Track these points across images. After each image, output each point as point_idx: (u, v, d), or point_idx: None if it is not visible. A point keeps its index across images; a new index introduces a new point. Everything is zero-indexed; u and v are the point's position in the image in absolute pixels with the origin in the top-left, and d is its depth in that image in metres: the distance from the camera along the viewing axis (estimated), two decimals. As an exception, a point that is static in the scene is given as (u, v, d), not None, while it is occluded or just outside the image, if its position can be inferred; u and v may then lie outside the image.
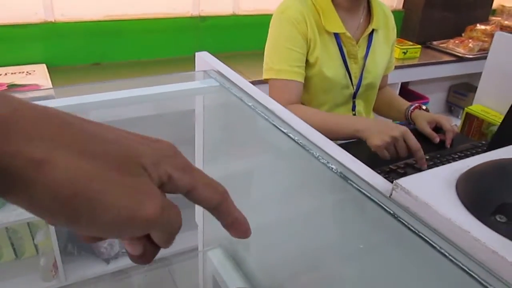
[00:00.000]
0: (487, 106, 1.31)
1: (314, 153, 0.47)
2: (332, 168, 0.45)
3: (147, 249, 0.29)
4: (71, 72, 1.84)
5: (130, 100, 0.80)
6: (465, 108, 1.31)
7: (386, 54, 1.28)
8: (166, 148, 0.28)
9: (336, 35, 1.16)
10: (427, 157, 1.03)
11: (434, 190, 0.39)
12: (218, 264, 0.72)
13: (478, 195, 0.38)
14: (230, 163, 0.72)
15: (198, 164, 0.78)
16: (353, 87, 1.21)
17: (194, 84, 0.69)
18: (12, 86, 1.61)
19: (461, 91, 2.78)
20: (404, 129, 0.97)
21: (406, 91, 2.46)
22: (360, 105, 1.27)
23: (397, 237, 0.39)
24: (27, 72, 1.75)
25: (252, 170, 0.65)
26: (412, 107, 1.23)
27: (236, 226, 0.31)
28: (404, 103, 1.28)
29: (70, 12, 1.84)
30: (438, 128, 1.14)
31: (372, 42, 1.21)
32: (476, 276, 0.32)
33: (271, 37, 1.17)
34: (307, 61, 1.16)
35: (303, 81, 1.15)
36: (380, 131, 0.97)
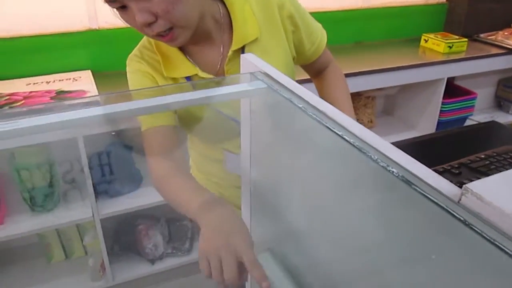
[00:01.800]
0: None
1: (372, 156, 0.45)
2: (393, 171, 0.42)
3: None
4: (115, 77, 1.89)
5: (176, 105, 0.80)
6: (521, 103, 1.23)
7: (281, 54, 1.02)
8: None
9: (187, 78, 0.98)
10: (482, 156, 0.98)
11: (509, 195, 0.36)
12: (268, 269, 0.71)
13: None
14: (280, 167, 0.71)
15: (245, 168, 0.78)
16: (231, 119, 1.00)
17: (241, 86, 0.68)
18: (60, 93, 1.67)
19: (511, 84, 2.65)
20: (239, 248, 0.67)
21: (452, 86, 2.37)
22: None
23: (469, 245, 0.37)
24: (73, 78, 1.81)
25: (303, 174, 0.64)
26: None
27: None
28: None
29: (113, 20, 1.89)
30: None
31: None
32: None
33: None
34: None
35: (171, 123, 0.97)
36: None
